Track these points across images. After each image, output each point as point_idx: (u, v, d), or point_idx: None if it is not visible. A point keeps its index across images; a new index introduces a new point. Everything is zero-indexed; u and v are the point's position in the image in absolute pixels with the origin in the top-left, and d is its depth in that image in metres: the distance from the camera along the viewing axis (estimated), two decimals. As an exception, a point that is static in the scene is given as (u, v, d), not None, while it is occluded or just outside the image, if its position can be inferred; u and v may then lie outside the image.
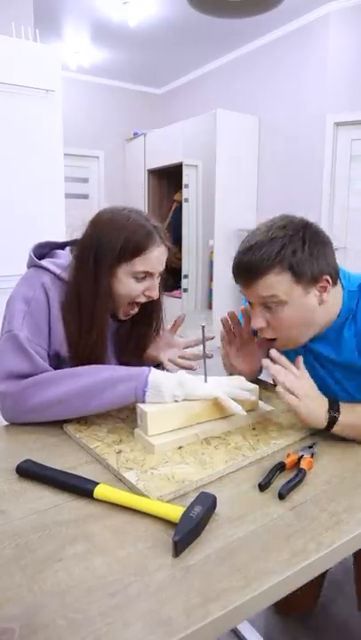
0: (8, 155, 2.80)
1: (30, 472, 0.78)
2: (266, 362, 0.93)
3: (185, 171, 4.71)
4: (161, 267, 1.06)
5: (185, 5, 3.57)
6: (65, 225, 3.00)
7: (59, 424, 0.99)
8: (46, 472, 0.77)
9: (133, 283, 1.04)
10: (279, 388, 0.88)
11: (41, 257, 1.12)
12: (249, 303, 1.04)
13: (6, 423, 1.02)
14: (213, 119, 4.35)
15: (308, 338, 1.04)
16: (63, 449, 0.89)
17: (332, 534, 0.65)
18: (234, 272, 1.01)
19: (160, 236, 1.05)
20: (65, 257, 1.11)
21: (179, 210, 4.96)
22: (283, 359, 0.92)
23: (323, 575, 1.27)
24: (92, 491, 0.72)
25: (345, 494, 0.75)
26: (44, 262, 1.08)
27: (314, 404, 0.89)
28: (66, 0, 3.79)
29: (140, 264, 1.02)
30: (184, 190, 4.72)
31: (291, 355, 1.16)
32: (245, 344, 1.16)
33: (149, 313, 1.16)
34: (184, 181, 4.72)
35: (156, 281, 1.07)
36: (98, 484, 0.73)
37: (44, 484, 0.76)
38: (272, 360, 0.93)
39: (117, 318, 1.12)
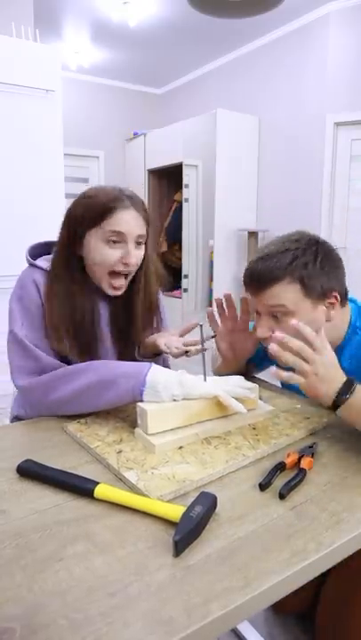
0: (8, 155, 2.80)
1: (31, 472, 0.78)
2: (273, 370, 0.88)
3: (185, 171, 4.71)
4: (135, 230, 1.03)
5: (185, 5, 3.57)
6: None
7: (59, 424, 0.99)
8: (47, 472, 0.77)
9: (106, 248, 1.02)
10: (274, 370, 0.85)
11: (38, 257, 1.14)
12: (256, 312, 1.05)
13: (7, 423, 1.03)
14: (213, 119, 4.35)
15: None
16: (63, 449, 0.89)
17: (332, 534, 0.65)
18: (245, 280, 1.03)
19: (131, 202, 1.03)
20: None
21: (179, 210, 4.96)
22: (306, 328, 0.86)
23: (323, 574, 1.27)
24: (93, 490, 0.72)
25: (345, 494, 0.75)
26: (37, 260, 1.11)
27: (322, 384, 0.84)
28: (66, 0, 3.79)
29: (108, 225, 1.01)
30: (184, 190, 4.72)
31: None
32: (237, 331, 1.16)
33: (143, 291, 1.15)
34: (184, 181, 4.72)
35: (133, 246, 1.04)
36: (98, 483, 0.73)
37: (44, 483, 0.76)
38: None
39: (107, 296, 1.11)
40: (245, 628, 1.27)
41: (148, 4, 3.81)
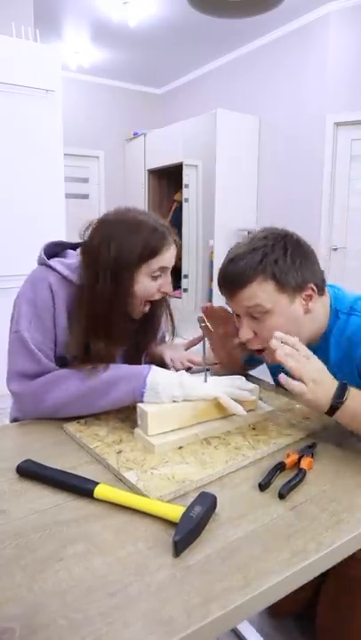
0: (8, 155, 2.80)
1: (30, 472, 0.78)
2: (271, 342, 0.88)
3: (185, 171, 4.71)
4: (172, 262, 1.08)
5: (185, 5, 3.57)
6: (65, 225, 3.00)
7: (59, 424, 0.99)
8: (46, 472, 0.77)
9: (150, 282, 1.05)
10: (282, 376, 0.84)
11: (52, 256, 1.11)
12: (236, 315, 1.04)
13: (7, 423, 1.03)
14: (213, 119, 4.35)
15: None
16: (63, 449, 0.89)
17: (332, 534, 0.65)
18: (219, 284, 1.02)
19: (171, 236, 1.06)
20: (75, 257, 1.11)
21: (179, 210, 4.96)
22: (290, 338, 0.87)
23: (321, 575, 1.27)
24: (93, 491, 0.72)
25: (345, 494, 0.75)
26: (53, 262, 1.08)
27: (320, 389, 0.84)
28: (66, 0, 3.79)
29: (156, 264, 1.03)
30: (184, 190, 4.72)
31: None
32: (228, 335, 1.13)
33: (155, 310, 1.17)
34: (184, 181, 4.72)
35: (169, 276, 1.08)
36: (98, 483, 0.73)
37: (44, 483, 0.76)
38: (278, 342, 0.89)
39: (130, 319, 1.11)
40: (245, 628, 1.27)
41: (148, 4, 3.81)
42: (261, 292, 0.95)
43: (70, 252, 1.15)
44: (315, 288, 0.99)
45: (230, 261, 0.98)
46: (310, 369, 0.85)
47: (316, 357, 0.88)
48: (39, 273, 1.08)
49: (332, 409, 0.84)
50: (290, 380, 0.84)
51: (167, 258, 1.04)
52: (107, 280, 1.01)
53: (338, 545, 0.63)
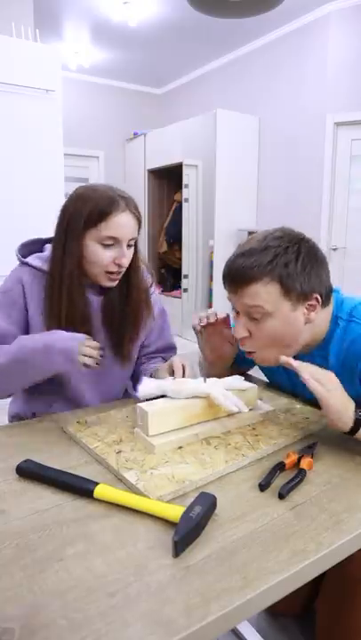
0: (8, 155, 2.80)
1: (30, 472, 0.78)
2: (282, 359, 0.88)
3: (185, 171, 4.71)
4: (129, 234, 1.06)
5: (185, 5, 3.57)
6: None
7: (59, 424, 0.99)
8: (46, 472, 0.77)
9: (101, 250, 1.05)
10: (305, 376, 0.84)
11: (29, 254, 1.15)
12: (235, 311, 1.01)
13: (7, 423, 1.02)
14: (213, 119, 4.35)
15: (290, 356, 1.02)
16: (63, 449, 0.89)
17: (332, 534, 0.65)
18: (223, 275, 0.98)
19: (126, 204, 1.05)
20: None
21: (179, 210, 4.96)
22: (302, 363, 0.87)
23: (323, 574, 1.27)
24: (92, 491, 0.72)
25: (345, 494, 0.75)
26: (28, 258, 1.12)
27: (342, 399, 0.83)
28: (66, 0, 3.79)
29: (104, 229, 1.03)
30: (184, 190, 4.72)
31: (280, 370, 1.14)
32: (218, 333, 1.11)
33: (135, 287, 1.17)
34: (184, 181, 4.72)
35: (125, 249, 1.07)
36: (98, 483, 0.73)
37: (44, 483, 0.76)
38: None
39: (102, 289, 1.14)
40: (245, 628, 1.27)
41: (149, 4, 3.81)
42: (265, 294, 0.92)
43: (48, 245, 1.16)
44: (319, 299, 0.96)
45: (240, 255, 0.95)
46: (331, 379, 0.85)
47: (333, 374, 0.87)
48: (13, 271, 1.13)
49: (356, 425, 0.84)
50: (313, 381, 0.84)
51: (117, 224, 1.03)
52: (59, 248, 1.06)
53: (338, 545, 0.63)
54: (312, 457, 0.84)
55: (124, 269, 1.09)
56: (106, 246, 1.05)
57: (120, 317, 1.17)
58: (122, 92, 5.84)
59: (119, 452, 0.85)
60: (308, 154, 4.10)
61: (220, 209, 4.45)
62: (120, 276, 1.11)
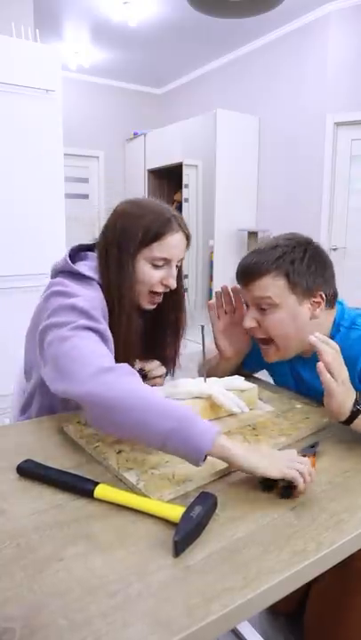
0: (8, 155, 2.80)
1: (30, 472, 0.78)
2: (311, 338, 0.89)
3: (185, 171, 4.71)
4: (180, 254, 1.06)
5: (185, 5, 3.57)
6: (65, 225, 3.00)
7: (59, 424, 0.99)
8: (46, 472, 0.77)
9: (152, 270, 1.03)
10: (320, 365, 0.86)
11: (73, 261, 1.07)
12: (246, 305, 1.10)
13: (7, 423, 1.02)
14: (213, 119, 4.35)
15: (297, 351, 1.07)
16: (63, 449, 0.89)
17: (332, 534, 0.65)
18: (237, 272, 1.08)
19: (179, 224, 1.05)
20: (94, 258, 1.08)
21: (179, 210, 4.96)
22: (330, 341, 0.90)
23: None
24: (93, 491, 0.72)
25: (345, 494, 0.75)
26: (80, 266, 1.03)
27: (346, 392, 0.88)
28: (66, 0, 3.79)
29: (157, 250, 1.02)
30: (184, 190, 4.72)
31: (284, 366, 1.16)
32: (235, 325, 1.18)
33: (170, 309, 1.16)
34: (184, 181, 4.72)
35: (174, 270, 1.07)
36: (98, 483, 0.73)
37: (44, 483, 0.76)
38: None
39: (141, 310, 1.10)
40: (245, 628, 1.27)
41: (149, 4, 3.81)
42: (272, 287, 1.01)
43: (89, 254, 1.10)
44: (323, 297, 1.04)
45: (252, 253, 1.06)
46: (343, 372, 0.88)
47: (343, 364, 0.90)
48: (85, 283, 1.00)
49: (354, 414, 0.87)
50: (327, 372, 0.85)
51: (170, 245, 1.02)
52: (111, 265, 1.01)
53: (338, 545, 0.63)
54: (314, 456, 0.84)
55: (168, 290, 1.07)
56: (156, 267, 1.03)
57: (157, 336, 1.17)
58: (122, 92, 5.84)
59: (119, 451, 0.85)
60: (308, 154, 4.10)
61: (220, 209, 4.45)
62: (160, 299, 1.09)
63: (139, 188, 5.56)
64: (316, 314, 1.04)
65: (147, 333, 1.16)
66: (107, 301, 1.01)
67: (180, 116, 5.27)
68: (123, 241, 1.01)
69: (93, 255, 1.09)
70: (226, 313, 1.19)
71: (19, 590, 0.55)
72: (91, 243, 1.12)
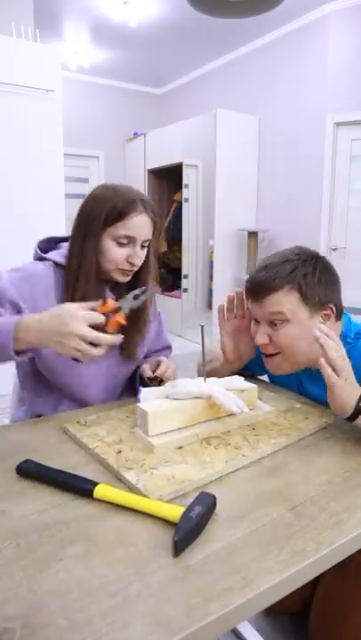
0: (8, 155, 2.80)
1: (30, 472, 0.78)
2: (315, 331, 0.91)
3: (185, 171, 4.71)
4: (144, 234, 1.09)
5: (185, 5, 3.57)
6: (65, 225, 3.00)
7: (59, 424, 0.99)
8: (46, 472, 0.77)
9: (116, 248, 1.07)
10: (322, 360, 0.87)
11: (46, 252, 1.15)
12: (255, 320, 1.10)
13: (7, 423, 1.02)
14: (213, 119, 4.35)
15: (303, 365, 1.08)
16: (63, 449, 0.89)
17: (332, 534, 0.65)
18: (247, 288, 1.09)
19: (144, 206, 1.08)
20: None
21: (179, 210, 4.96)
22: (333, 335, 0.90)
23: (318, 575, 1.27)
24: (92, 491, 0.72)
25: (345, 494, 0.75)
26: (49, 254, 1.13)
27: (350, 388, 0.88)
28: (66, 0, 3.79)
29: (121, 228, 1.06)
30: (184, 190, 4.72)
31: (292, 379, 1.18)
32: (242, 331, 1.18)
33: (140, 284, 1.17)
34: (184, 181, 4.72)
35: (139, 248, 1.09)
36: (98, 483, 0.73)
37: (44, 483, 0.76)
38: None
39: (114, 288, 1.15)
40: (245, 628, 1.27)
41: (148, 4, 3.81)
42: (286, 302, 1.01)
43: (64, 244, 1.17)
44: (334, 309, 1.05)
45: (262, 269, 1.05)
46: (347, 367, 0.89)
47: (348, 360, 0.91)
48: (38, 265, 1.12)
49: (357, 412, 0.88)
50: (328, 367, 0.86)
51: (134, 224, 1.06)
52: (77, 242, 1.08)
53: (338, 545, 0.63)
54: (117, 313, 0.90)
55: (135, 268, 1.11)
56: (121, 245, 1.07)
57: (129, 319, 1.17)
58: (122, 92, 5.84)
59: (119, 451, 0.85)
60: (308, 154, 4.10)
61: (220, 209, 4.45)
62: (132, 273, 1.13)
63: (139, 188, 5.54)
64: (326, 326, 1.03)
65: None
66: (66, 275, 1.08)
67: (180, 116, 5.27)
68: (89, 220, 1.07)
69: (66, 245, 1.15)
70: (235, 317, 1.19)
71: (19, 590, 0.55)
72: (63, 236, 1.20)
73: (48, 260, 1.12)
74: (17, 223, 2.82)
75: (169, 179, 5.38)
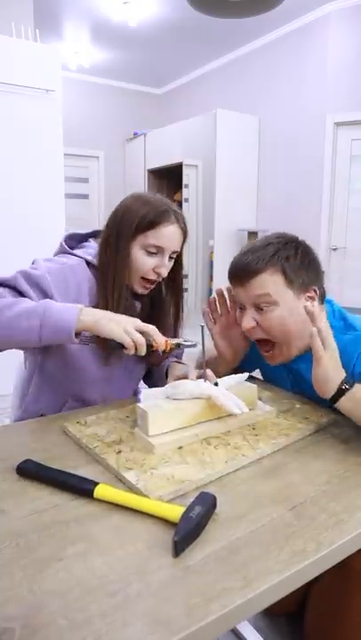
0: (8, 155, 2.80)
1: (30, 472, 0.78)
2: (306, 305, 0.93)
3: (185, 171, 4.71)
4: (173, 245, 1.10)
5: (185, 5, 3.57)
6: (65, 225, 3.00)
7: (59, 424, 0.99)
8: (46, 472, 0.77)
9: (145, 257, 1.08)
10: (314, 329, 0.88)
11: (71, 248, 1.16)
12: (240, 308, 1.10)
13: (7, 423, 1.02)
14: (213, 119, 4.35)
15: (297, 350, 1.07)
16: (63, 449, 0.89)
17: (331, 534, 0.65)
18: (230, 273, 1.09)
19: (176, 217, 1.09)
20: (94, 247, 1.15)
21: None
22: (321, 313, 0.92)
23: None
24: (92, 491, 0.72)
25: (345, 494, 0.75)
26: (77, 252, 1.13)
27: (335, 364, 0.89)
28: (66, 0, 3.79)
29: (152, 237, 1.07)
30: (184, 190, 4.72)
31: (280, 370, 1.17)
32: (230, 327, 1.18)
33: (170, 296, 1.21)
34: (184, 181, 4.72)
35: (167, 259, 1.10)
36: (98, 483, 0.73)
37: (43, 483, 0.76)
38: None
39: (135, 295, 1.15)
40: (245, 628, 1.27)
41: (148, 4, 3.81)
42: (271, 283, 1.02)
43: (87, 243, 1.18)
44: (317, 291, 1.06)
45: (244, 253, 1.06)
46: (332, 344, 0.90)
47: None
48: (68, 258, 1.11)
49: (339, 392, 0.89)
50: (318, 339, 0.87)
51: (164, 234, 1.07)
52: (108, 248, 1.08)
53: (338, 545, 0.63)
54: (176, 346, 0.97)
55: (160, 279, 1.12)
56: (150, 254, 1.08)
57: (155, 323, 1.18)
58: (122, 92, 5.84)
59: (119, 451, 0.85)
60: (308, 154, 4.10)
61: (220, 209, 4.45)
62: (153, 286, 1.14)
63: (139, 188, 5.56)
64: None
65: (149, 318, 1.17)
66: (101, 281, 1.08)
67: (180, 116, 5.27)
68: (121, 228, 1.07)
69: (92, 244, 1.16)
70: (221, 315, 1.19)
71: (19, 590, 0.55)
72: (85, 232, 1.20)
73: (78, 257, 1.12)
74: (17, 223, 2.82)
75: (169, 179, 5.38)
